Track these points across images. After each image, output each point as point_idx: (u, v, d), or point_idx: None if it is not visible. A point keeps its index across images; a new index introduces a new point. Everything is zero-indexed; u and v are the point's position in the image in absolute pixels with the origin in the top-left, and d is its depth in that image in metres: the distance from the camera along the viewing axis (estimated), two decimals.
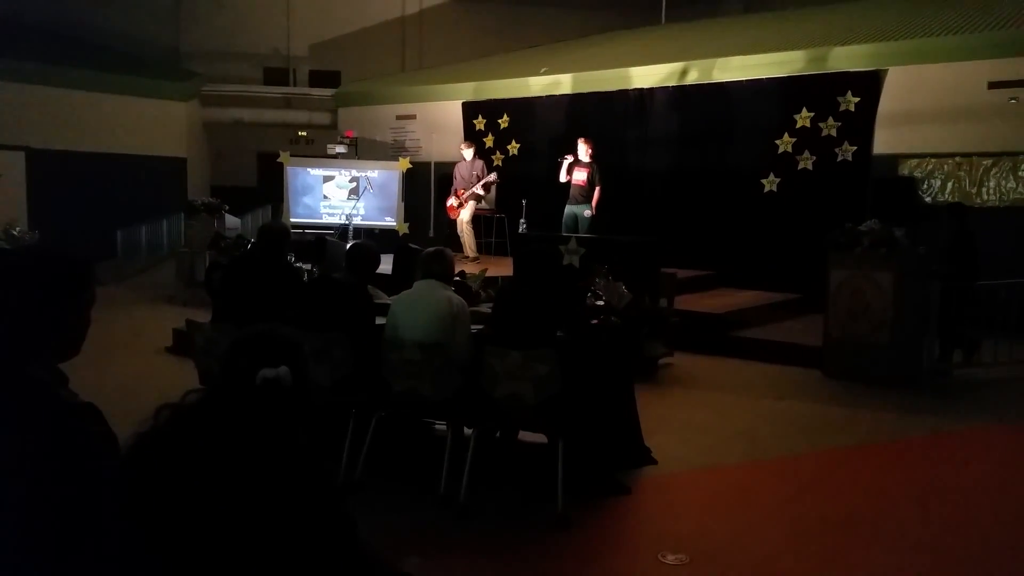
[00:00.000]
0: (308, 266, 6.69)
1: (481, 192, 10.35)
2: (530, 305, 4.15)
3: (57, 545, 1.40)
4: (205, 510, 1.20)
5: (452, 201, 10.44)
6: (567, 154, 9.59)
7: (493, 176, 10.66)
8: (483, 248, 10.82)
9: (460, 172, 10.48)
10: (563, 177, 9.56)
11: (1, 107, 12.05)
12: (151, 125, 14.16)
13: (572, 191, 9.55)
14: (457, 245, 9.96)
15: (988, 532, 3.91)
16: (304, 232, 10.61)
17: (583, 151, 9.51)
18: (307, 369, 1.72)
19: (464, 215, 10.27)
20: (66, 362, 1.66)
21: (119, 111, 13.63)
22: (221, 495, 1.20)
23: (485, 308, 4.98)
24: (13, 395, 1.50)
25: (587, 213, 9.41)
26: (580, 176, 9.48)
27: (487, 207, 11.09)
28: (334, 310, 4.42)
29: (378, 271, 4.89)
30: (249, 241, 8.86)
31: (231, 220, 11.64)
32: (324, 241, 7.10)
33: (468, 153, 10.51)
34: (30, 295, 1.58)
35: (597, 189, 9.45)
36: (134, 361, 7.16)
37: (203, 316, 7.46)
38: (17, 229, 10.98)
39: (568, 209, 9.55)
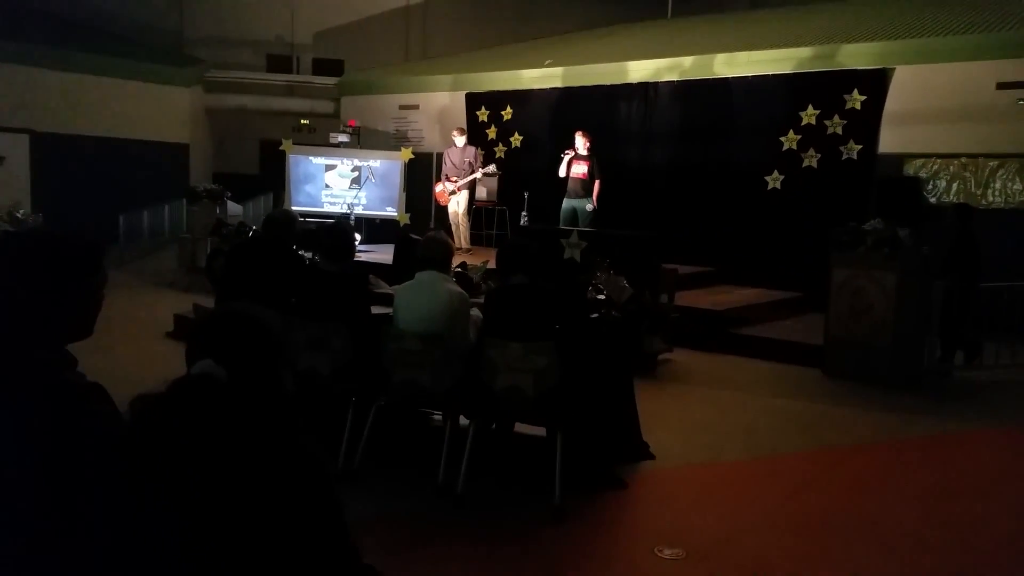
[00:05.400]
0: (310, 254, 6.64)
1: (479, 177, 10.19)
2: (518, 300, 4.11)
3: (64, 524, 1.40)
4: (184, 500, 1.22)
5: (443, 187, 10.23)
6: (568, 148, 9.54)
7: (492, 167, 10.55)
8: (484, 240, 10.77)
9: (451, 158, 10.31)
10: (562, 172, 9.50)
11: (6, 90, 12.02)
12: (154, 110, 14.12)
13: (571, 184, 9.48)
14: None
15: (987, 533, 3.90)
16: (306, 220, 10.58)
17: (581, 144, 9.47)
18: (276, 352, 1.61)
19: (459, 206, 10.11)
20: (72, 344, 1.65)
21: (122, 96, 13.59)
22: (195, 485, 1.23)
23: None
24: (19, 378, 1.49)
25: (589, 207, 9.37)
26: (580, 169, 9.43)
27: (488, 199, 11.04)
28: (332, 299, 4.40)
29: (379, 261, 4.86)
30: (251, 228, 8.83)
31: (233, 207, 11.63)
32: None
33: (460, 140, 10.33)
34: (39, 278, 1.57)
35: (598, 182, 9.41)
36: (136, 346, 7.14)
37: (203, 302, 7.47)
38: (21, 212, 10.95)
39: (567, 203, 9.49)
